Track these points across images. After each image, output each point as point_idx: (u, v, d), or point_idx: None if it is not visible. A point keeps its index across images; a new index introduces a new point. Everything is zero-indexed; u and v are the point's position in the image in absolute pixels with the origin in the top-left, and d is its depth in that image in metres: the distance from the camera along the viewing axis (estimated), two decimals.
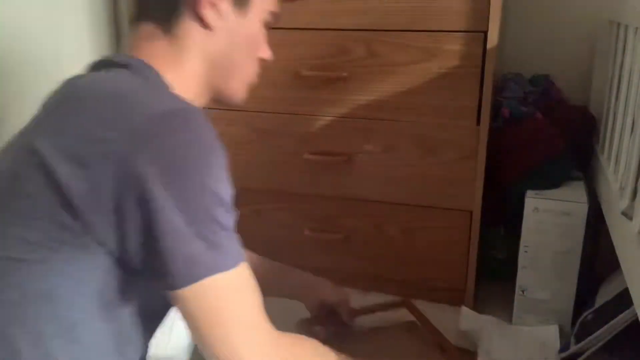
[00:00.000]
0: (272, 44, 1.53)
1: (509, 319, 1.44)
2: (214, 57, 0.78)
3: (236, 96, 0.85)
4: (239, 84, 0.84)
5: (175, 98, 0.70)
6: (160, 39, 0.75)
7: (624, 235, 1.02)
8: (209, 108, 1.60)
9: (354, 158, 1.50)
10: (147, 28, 0.76)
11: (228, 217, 0.67)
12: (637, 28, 1.11)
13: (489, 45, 1.33)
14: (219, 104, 0.89)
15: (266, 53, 0.87)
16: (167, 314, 0.75)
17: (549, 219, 1.34)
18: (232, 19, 0.77)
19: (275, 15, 0.82)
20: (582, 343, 1.18)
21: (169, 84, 0.74)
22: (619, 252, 1.07)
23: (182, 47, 0.76)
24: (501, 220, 1.55)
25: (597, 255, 1.48)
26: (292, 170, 1.56)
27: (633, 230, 0.95)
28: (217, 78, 0.81)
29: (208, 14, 0.74)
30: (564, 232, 1.34)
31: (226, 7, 0.76)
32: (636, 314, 0.91)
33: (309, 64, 1.47)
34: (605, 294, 1.31)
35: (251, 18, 0.79)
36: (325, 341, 0.83)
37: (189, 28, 0.75)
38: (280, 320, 0.75)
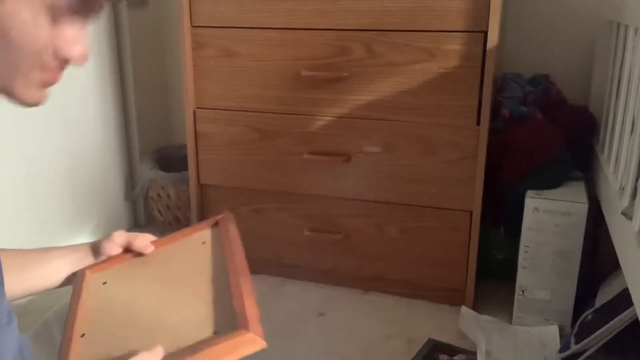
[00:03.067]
0: (273, 44, 1.55)
1: (509, 319, 1.44)
2: None
3: (24, 98, 0.63)
4: (22, 85, 0.62)
5: None
6: None
7: (624, 235, 1.02)
8: (209, 108, 1.61)
9: (354, 158, 1.50)
10: None
11: None
12: (637, 28, 1.11)
13: (489, 45, 1.33)
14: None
15: (69, 50, 0.61)
16: None
17: (549, 219, 1.34)
18: None
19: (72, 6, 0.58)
20: (582, 343, 1.18)
21: None
22: (619, 252, 1.07)
23: None
24: (501, 220, 1.55)
25: (597, 255, 1.48)
26: (292, 170, 1.56)
27: (633, 230, 0.95)
28: None
29: None
30: (564, 232, 1.34)
31: None
32: (636, 314, 0.91)
33: (309, 64, 1.47)
34: (605, 294, 1.31)
35: (9, 6, 0.56)
36: None
37: None
38: None
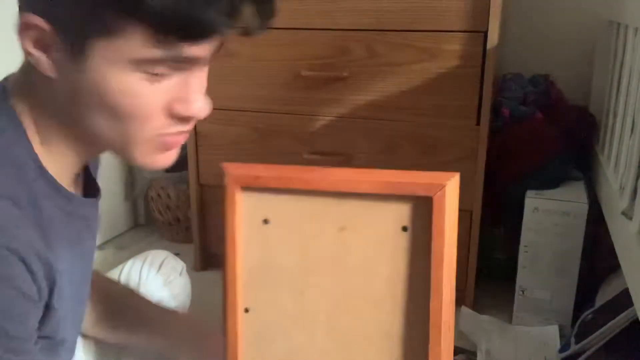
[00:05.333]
0: (273, 44, 1.55)
1: (509, 319, 1.44)
2: (58, 113, 0.57)
3: (144, 164, 0.59)
4: (140, 152, 0.58)
5: None
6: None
7: (624, 235, 1.02)
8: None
9: (354, 158, 1.50)
10: None
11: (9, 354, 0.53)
12: (637, 28, 1.11)
13: (489, 45, 1.33)
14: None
15: (181, 107, 0.56)
16: None
17: (549, 219, 1.34)
18: (68, 68, 0.53)
19: (158, 61, 0.52)
20: (582, 343, 1.18)
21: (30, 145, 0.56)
22: (619, 252, 1.07)
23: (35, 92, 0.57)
24: (501, 220, 1.55)
25: (597, 255, 1.48)
26: None
27: (633, 230, 0.95)
28: (84, 141, 0.59)
29: (31, 51, 0.52)
30: (564, 232, 1.34)
31: (55, 47, 0.52)
32: (636, 314, 0.91)
33: (309, 64, 1.47)
34: (605, 294, 1.31)
35: (96, 69, 0.52)
36: None
37: (33, 66, 0.54)
38: None
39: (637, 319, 0.97)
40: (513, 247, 1.43)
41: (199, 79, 0.57)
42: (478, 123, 1.39)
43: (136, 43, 0.50)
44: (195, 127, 1.62)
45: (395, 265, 0.54)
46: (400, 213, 0.53)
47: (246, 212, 0.59)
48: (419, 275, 0.52)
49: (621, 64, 1.27)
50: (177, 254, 1.03)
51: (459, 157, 1.42)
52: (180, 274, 0.98)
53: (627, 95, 1.17)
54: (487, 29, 1.32)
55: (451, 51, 1.36)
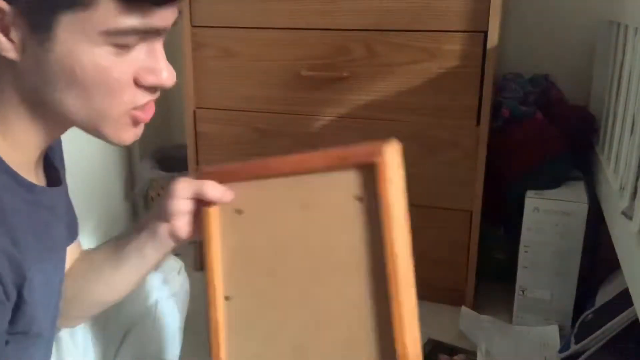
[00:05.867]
0: (273, 44, 1.55)
1: (509, 319, 1.44)
2: (30, 96, 0.56)
3: (115, 139, 0.60)
4: (113, 127, 0.58)
5: None
6: None
7: (624, 235, 1.02)
8: (209, 108, 1.61)
9: None
10: None
11: None
12: (637, 28, 1.11)
13: (489, 45, 1.33)
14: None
15: (149, 76, 0.57)
16: None
17: (549, 219, 1.34)
18: (33, 48, 0.52)
19: (129, 31, 0.52)
20: (582, 343, 1.18)
21: None
22: (619, 252, 1.07)
23: None
24: (501, 220, 1.55)
25: (597, 255, 1.48)
26: None
27: (633, 230, 0.95)
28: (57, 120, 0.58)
29: None
30: (564, 232, 1.34)
31: (17, 28, 0.51)
32: (636, 314, 0.91)
33: (309, 64, 1.47)
34: (605, 294, 1.31)
35: (64, 46, 0.51)
36: None
37: None
38: None
39: (637, 319, 0.97)
40: (513, 247, 1.43)
41: (161, 48, 0.59)
42: (478, 123, 1.39)
43: (107, 13, 0.50)
44: (195, 127, 1.62)
45: (355, 234, 0.57)
46: (352, 183, 0.57)
47: (220, 206, 0.63)
48: (377, 241, 0.55)
49: (621, 64, 1.27)
50: (177, 254, 1.03)
51: (459, 157, 1.42)
52: (179, 272, 0.98)
53: (627, 95, 1.17)
54: (487, 29, 1.32)
55: (451, 51, 1.36)
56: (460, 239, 1.47)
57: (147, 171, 1.89)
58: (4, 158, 0.56)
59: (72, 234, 0.76)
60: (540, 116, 1.48)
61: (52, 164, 0.69)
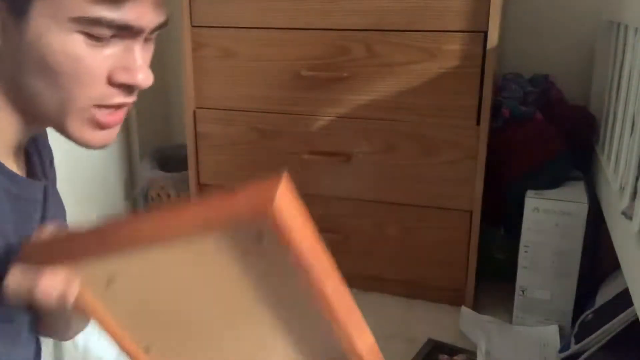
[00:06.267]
0: (273, 44, 1.55)
1: (509, 319, 1.44)
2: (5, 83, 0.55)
3: (77, 138, 0.57)
4: (75, 123, 0.56)
5: None
6: None
7: (624, 235, 1.02)
8: (209, 108, 1.61)
9: (353, 158, 1.50)
10: None
11: None
12: (637, 28, 1.11)
13: (489, 45, 1.33)
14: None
15: (124, 76, 0.55)
16: None
17: (549, 219, 1.34)
18: (11, 31, 0.52)
19: (99, 22, 0.51)
20: (582, 343, 1.18)
21: None
22: (619, 252, 1.07)
23: None
24: (501, 220, 1.55)
25: (597, 255, 1.48)
26: (292, 170, 1.55)
27: (633, 230, 0.95)
28: (27, 111, 0.56)
29: None
30: (564, 232, 1.34)
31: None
32: (636, 314, 0.91)
33: (309, 64, 1.47)
34: (605, 294, 1.31)
35: (37, 30, 0.51)
36: None
37: None
38: None
39: (637, 319, 0.97)
40: (513, 247, 1.43)
41: (143, 51, 0.57)
42: (478, 123, 1.39)
43: (78, 0, 0.50)
44: (195, 127, 1.62)
45: (264, 279, 0.49)
46: (245, 237, 0.45)
47: (86, 282, 0.51)
48: (289, 280, 0.47)
49: (621, 64, 1.27)
50: None
51: (459, 157, 1.42)
52: None
53: (627, 95, 1.17)
54: (487, 29, 1.32)
55: (451, 51, 1.36)
56: (460, 239, 1.47)
57: (147, 171, 1.89)
58: None
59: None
60: (540, 116, 1.48)
61: (35, 161, 0.67)
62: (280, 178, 0.44)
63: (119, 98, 0.56)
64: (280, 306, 0.50)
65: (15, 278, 0.51)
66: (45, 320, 0.63)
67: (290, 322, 0.52)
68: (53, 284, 0.50)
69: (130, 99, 0.58)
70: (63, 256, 0.50)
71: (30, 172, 0.65)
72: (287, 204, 0.44)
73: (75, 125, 0.56)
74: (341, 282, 0.52)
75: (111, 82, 0.55)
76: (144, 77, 0.56)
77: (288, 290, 0.49)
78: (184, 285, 0.50)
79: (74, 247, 0.50)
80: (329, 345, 0.51)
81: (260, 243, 0.45)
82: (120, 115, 0.58)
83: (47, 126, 0.60)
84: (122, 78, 0.55)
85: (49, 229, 0.55)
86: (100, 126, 0.57)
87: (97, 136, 0.58)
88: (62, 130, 0.57)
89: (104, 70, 0.54)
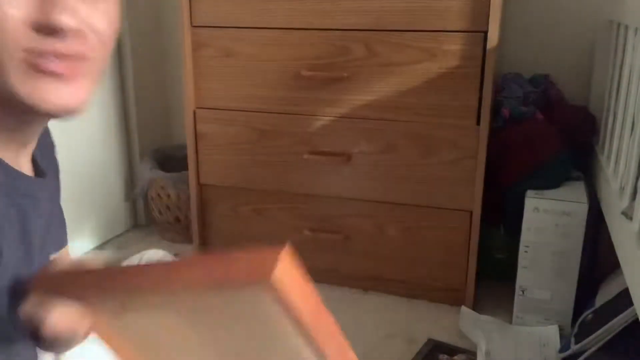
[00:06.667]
0: (272, 44, 1.55)
1: (509, 319, 1.44)
2: None
3: (24, 96, 0.51)
4: (15, 78, 0.50)
5: None
6: None
7: (624, 235, 1.02)
8: (209, 108, 1.61)
9: (353, 158, 1.50)
10: None
11: None
12: (637, 28, 1.11)
13: (489, 45, 1.33)
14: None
15: (42, 16, 0.49)
16: None
17: (549, 219, 1.34)
18: None
19: None
20: (582, 343, 1.18)
21: None
22: (619, 252, 1.07)
23: None
24: (501, 220, 1.55)
25: (597, 255, 1.48)
26: (292, 170, 1.56)
27: (633, 230, 0.95)
28: None
29: None
30: (564, 232, 1.34)
31: None
32: (636, 314, 0.91)
33: (309, 64, 1.47)
34: (605, 294, 1.31)
35: None
36: None
37: None
38: None
39: (637, 319, 0.97)
40: (513, 247, 1.43)
41: None
42: (478, 123, 1.39)
43: None
44: (195, 127, 1.62)
45: (263, 347, 0.49)
46: (255, 298, 0.45)
47: (100, 312, 0.51)
48: (298, 348, 0.47)
49: (621, 64, 1.27)
50: (176, 255, 1.03)
51: (459, 157, 1.42)
52: None
53: (627, 95, 1.17)
54: (487, 29, 1.32)
55: (451, 51, 1.36)
56: (460, 239, 1.47)
57: (147, 171, 1.89)
58: None
59: (56, 241, 0.71)
60: (540, 116, 1.48)
61: (36, 160, 0.66)
62: (282, 249, 0.44)
63: (48, 43, 0.49)
64: None
65: (28, 308, 0.51)
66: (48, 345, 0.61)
67: None
68: (64, 318, 0.50)
69: (61, 47, 0.50)
70: (76, 289, 0.50)
71: (37, 170, 0.65)
72: (287, 274, 0.44)
73: (14, 74, 0.50)
74: (346, 345, 0.51)
75: (31, 27, 0.49)
76: (60, 15, 0.48)
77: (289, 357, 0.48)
78: (184, 340, 0.50)
79: (86, 282, 0.50)
80: None
81: (259, 309, 0.45)
82: (73, 65, 0.52)
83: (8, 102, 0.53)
84: (41, 18, 0.48)
85: (62, 261, 0.54)
86: (40, 72, 0.50)
87: (53, 91, 0.51)
88: (12, 93, 0.50)
89: (24, 12, 0.48)
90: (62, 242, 0.73)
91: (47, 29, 0.49)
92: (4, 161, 0.55)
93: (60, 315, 0.50)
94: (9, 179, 0.56)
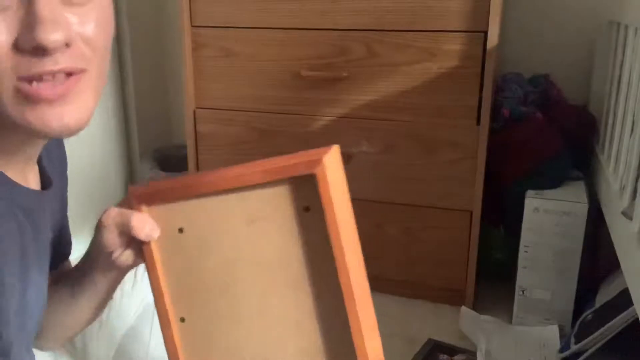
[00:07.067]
0: (272, 44, 1.55)
1: (509, 319, 1.44)
2: None
3: (18, 118, 0.49)
4: (6, 102, 0.49)
5: None
6: None
7: (624, 235, 1.02)
8: (209, 108, 1.61)
9: (353, 158, 1.50)
10: None
11: None
12: (637, 28, 1.11)
13: (489, 45, 1.33)
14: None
15: (27, 36, 0.47)
16: None
17: (549, 219, 1.34)
18: None
19: None
20: (582, 343, 1.18)
21: None
22: (619, 252, 1.07)
23: None
24: (501, 220, 1.55)
25: (597, 255, 1.48)
26: None
27: (633, 230, 0.95)
28: None
29: None
30: (564, 232, 1.34)
31: None
32: (636, 314, 0.91)
33: (309, 64, 1.47)
34: (605, 294, 1.31)
35: None
36: None
37: None
38: None
39: (637, 319, 0.97)
40: (513, 247, 1.43)
41: (47, 5, 0.46)
42: (478, 123, 1.39)
43: None
44: (195, 127, 1.62)
45: (306, 247, 0.55)
46: (296, 194, 0.54)
47: (160, 226, 0.59)
48: (327, 251, 0.53)
49: (621, 64, 1.27)
50: None
51: (459, 157, 1.42)
52: None
53: (627, 95, 1.17)
54: (487, 29, 1.32)
55: (451, 51, 1.36)
56: (460, 239, 1.47)
57: (147, 171, 1.89)
58: None
59: (58, 254, 0.71)
60: (540, 116, 1.48)
61: (45, 172, 0.65)
62: (333, 147, 0.55)
63: (34, 66, 0.47)
64: (312, 286, 0.55)
65: (111, 214, 0.59)
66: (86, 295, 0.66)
67: (316, 307, 0.56)
68: (145, 219, 0.58)
69: (51, 65, 0.48)
70: (150, 199, 0.59)
71: (44, 182, 0.64)
72: (334, 164, 0.54)
73: (10, 106, 0.48)
74: (364, 269, 0.58)
75: (17, 50, 0.46)
76: (45, 33, 0.45)
77: (321, 268, 0.54)
78: (236, 247, 0.57)
79: (157, 195, 0.59)
80: (343, 339, 0.55)
81: (307, 212, 0.54)
82: (68, 83, 0.50)
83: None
84: (22, 40, 0.46)
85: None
86: (34, 100, 0.48)
87: (45, 115, 0.49)
88: (10, 119, 0.49)
89: (5, 37, 0.46)
90: (60, 257, 0.73)
91: (34, 49, 0.46)
92: (6, 176, 0.54)
93: (141, 216, 0.58)
94: (12, 194, 0.55)
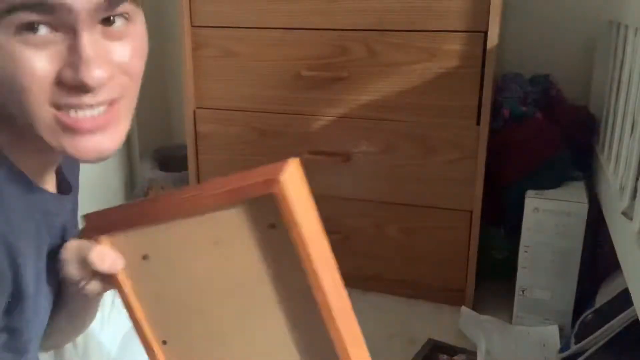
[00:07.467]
0: (273, 44, 1.55)
1: (509, 319, 1.44)
2: None
3: (57, 146, 0.51)
4: (45, 132, 0.50)
5: None
6: None
7: (624, 235, 1.02)
8: (209, 108, 1.61)
9: (353, 158, 1.50)
10: None
11: None
12: (637, 28, 1.11)
13: (489, 45, 1.33)
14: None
15: (69, 73, 0.48)
16: None
17: (549, 219, 1.34)
18: None
19: (14, 6, 0.45)
20: (582, 343, 1.18)
21: None
22: (619, 252, 1.07)
23: None
24: (501, 220, 1.55)
25: (597, 255, 1.48)
26: None
27: (633, 230, 0.95)
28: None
29: None
30: (564, 232, 1.34)
31: None
32: (636, 314, 0.91)
33: (309, 64, 1.47)
34: (605, 294, 1.31)
35: None
36: None
37: None
38: None
39: (637, 319, 0.97)
40: (513, 247, 1.43)
41: (91, 44, 0.48)
42: (478, 123, 1.39)
43: None
44: (195, 127, 1.62)
45: (277, 263, 0.54)
46: (259, 214, 0.53)
47: (123, 254, 0.58)
48: (299, 268, 0.52)
49: (621, 64, 1.27)
50: None
51: (459, 157, 1.42)
52: None
53: (627, 95, 1.17)
54: (487, 29, 1.32)
55: (451, 51, 1.36)
56: (460, 239, 1.47)
57: (147, 171, 1.89)
58: (7, 155, 0.54)
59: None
60: (540, 116, 1.48)
61: (64, 177, 0.66)
62: (292, 161, 0.54)
63: (74, 99, 0.49)
64: (288, 301, 0.55)
65: (70, 248, 0.58)
66: (69, 311, 0.65)
67: (295, 323, 0.55)
68: (104, 252, 0.56)
69: (90, 99, 0.50)
70: (109, 228, 0.57)
71: (64, 186, 0.65)
72: (293, 180, 0.53)
73: (48, 133, 0.50)
74: (339, 278, 0.57)
75: (58, 83, 0.48)
76: (88, 72, 0.47)
77: (294, 283, 0.53)
78: (205, 269, 0.56)
79: (114, 225, 0.57)
80: (327, 353, 0.54)
81: (273, 229, 0.52)
82: (105, 112, 0.51)
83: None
84: (67, 75, 0.48)
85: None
86: (72, 130, 0.50)
87: (81, 143, 0.51)
88: (45, 142, 0.51)
89: (50, 71, 0.48)
90: None
91: (77, 87, 0.48)
92: (27, 176, 0.55)
93: (101, 249, 0.56)
94: (29, 195, 0.56)
